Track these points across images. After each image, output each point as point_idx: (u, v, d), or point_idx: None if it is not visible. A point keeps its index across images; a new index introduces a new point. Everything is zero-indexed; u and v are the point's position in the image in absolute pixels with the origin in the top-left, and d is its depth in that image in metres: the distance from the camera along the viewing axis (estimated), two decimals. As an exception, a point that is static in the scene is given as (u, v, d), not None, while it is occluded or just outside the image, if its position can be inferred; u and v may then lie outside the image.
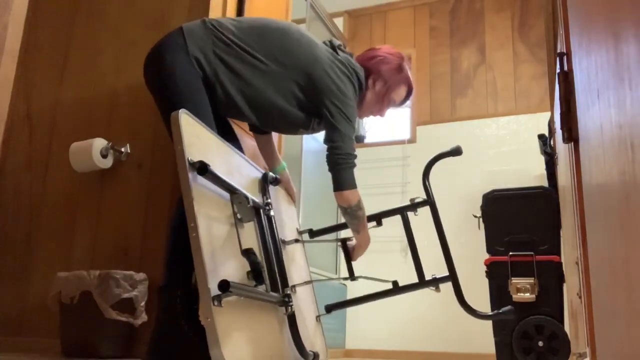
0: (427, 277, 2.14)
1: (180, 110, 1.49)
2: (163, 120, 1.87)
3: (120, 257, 2.34)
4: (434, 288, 2.16)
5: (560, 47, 1.70)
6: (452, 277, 2.14)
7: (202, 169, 1.45)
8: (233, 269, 1.52)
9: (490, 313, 2.23)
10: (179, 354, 1.63)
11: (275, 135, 2.40)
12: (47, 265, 2.46)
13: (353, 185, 1.92)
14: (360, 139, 5.27)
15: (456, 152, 2.25)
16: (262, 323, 1.59)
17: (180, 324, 1.66)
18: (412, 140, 5.07)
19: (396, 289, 2.14)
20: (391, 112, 5.39)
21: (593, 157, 0.95)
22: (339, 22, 5.48)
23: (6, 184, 2.67)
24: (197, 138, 1.55)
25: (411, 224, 2.25)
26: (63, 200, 2.54)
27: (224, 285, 1.32)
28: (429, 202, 2.22)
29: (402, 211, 2.26)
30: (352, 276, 2.11)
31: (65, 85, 2.70)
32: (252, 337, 1.49)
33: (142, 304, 2.05)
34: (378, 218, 2.24)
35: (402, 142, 5.09)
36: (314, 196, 4.42)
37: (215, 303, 1.32)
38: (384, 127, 5.39)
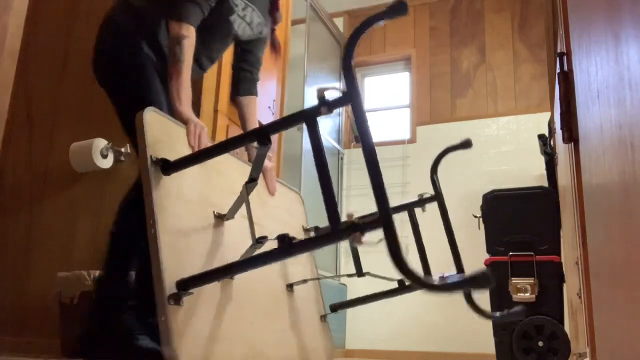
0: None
1: (147, 108, 1.48)
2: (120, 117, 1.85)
3: (120, 257, 2.34)
4: None
5: (560, 47, 1.70)
6: (461, 274, 2.11)
7: (165, 167, 1.43)
8: (200, 268, 1.49)
9: (499, 314, 2.17)
10: (109, 346, 1.62)
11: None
12: (47, 265, 2.46)
13: (183, 19, 1.71)
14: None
15: (466, 144, 2.17)
16: (240, 321, 1.57)
17: (112, 318, 1.64)
18: (412, 140, 5.07)
19: (402, 287, 2.04)
20: (391, 113, 5.40)
21: (593, 157, 0.95)
22: (339, 22, 5.48)
23: (6, 184, 2.67)
24: (168, 136, 1.53)
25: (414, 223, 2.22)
26: (63, 200, 2.54)
27: (182, 285, 1.32)
28: (437, 198, 2.16)
29: (409, 207, 2.20)
30: (359, 272, 2.04)
31: (65, 85, 2.70)
32: (222, 335, 1.47)
33: (142, 304, 2.05)
34: None
35: (402, 142, 5.09)
36: (314, 196, 4.41)
37: (171, 302, 1.31)
38: (384, 127, 5.39)
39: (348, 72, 1.29)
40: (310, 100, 4.56)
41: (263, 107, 2.96)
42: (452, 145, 2.22)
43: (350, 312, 4.73)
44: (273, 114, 3.07)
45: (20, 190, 2.64)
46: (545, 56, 4.49)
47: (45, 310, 2.35)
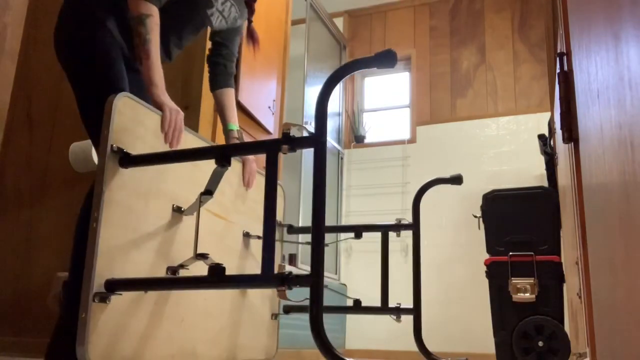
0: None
1: (120, 93, 1.42)
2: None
3: (120, 257, 2.33)
4: (395, 317, 2.07)
5: (560, 47, 1.70)
6: (416, 311, 2.07)
7: (124, 160, 1.38)
8: (148, 264, 1.45)
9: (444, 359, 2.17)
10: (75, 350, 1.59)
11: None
12: (47, 265, 2.46)
13: None
14: (360, 139, 5.27)
15: (456, 180, 2.16)
16: (171, 320, 1.53)
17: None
18: (412, 140, 5.07)
19: (357, 307, 2.05)
20: (391, 113, 5.40)
21: (593, 157, 0.95)
22: (339, 22, 5.48)
23: (6, 184, 2.67)
24: (139, 124, 1.46)
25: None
26: (63, 200, 2.54)
27: (109, 286, 1.30)
28: (414, 227, 2.13)
29: (384, 229, 2.17)
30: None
31: (65, 85, 2.70)
32: (149, 335, 1.44)
33: (142, 304, 2.04)
34: (358, 231, 2.15)
35: (402, 142, 5.09)
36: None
37: (96, 300, 1.28)
38: (384, 127, 5.39)
39: (321, 114, 1.22)
40: (311, 101, 4.56)
41: (263, 107, 2.96)
42: (442, 178, 2.20)
43: (350, 312, 4.72)
44: (273, 114, 3.07)
45: (20, 190, 2.64)
46: (545, 56, 4.49)
47: (45, 310, 2.35)
